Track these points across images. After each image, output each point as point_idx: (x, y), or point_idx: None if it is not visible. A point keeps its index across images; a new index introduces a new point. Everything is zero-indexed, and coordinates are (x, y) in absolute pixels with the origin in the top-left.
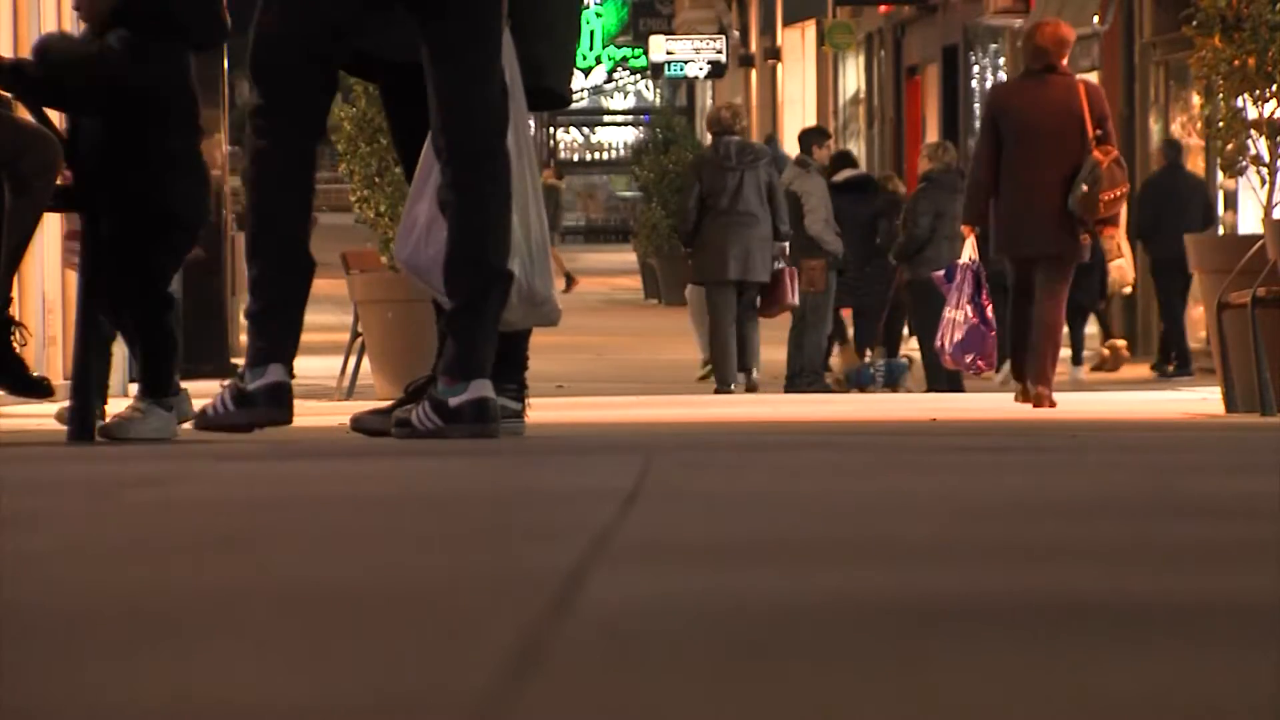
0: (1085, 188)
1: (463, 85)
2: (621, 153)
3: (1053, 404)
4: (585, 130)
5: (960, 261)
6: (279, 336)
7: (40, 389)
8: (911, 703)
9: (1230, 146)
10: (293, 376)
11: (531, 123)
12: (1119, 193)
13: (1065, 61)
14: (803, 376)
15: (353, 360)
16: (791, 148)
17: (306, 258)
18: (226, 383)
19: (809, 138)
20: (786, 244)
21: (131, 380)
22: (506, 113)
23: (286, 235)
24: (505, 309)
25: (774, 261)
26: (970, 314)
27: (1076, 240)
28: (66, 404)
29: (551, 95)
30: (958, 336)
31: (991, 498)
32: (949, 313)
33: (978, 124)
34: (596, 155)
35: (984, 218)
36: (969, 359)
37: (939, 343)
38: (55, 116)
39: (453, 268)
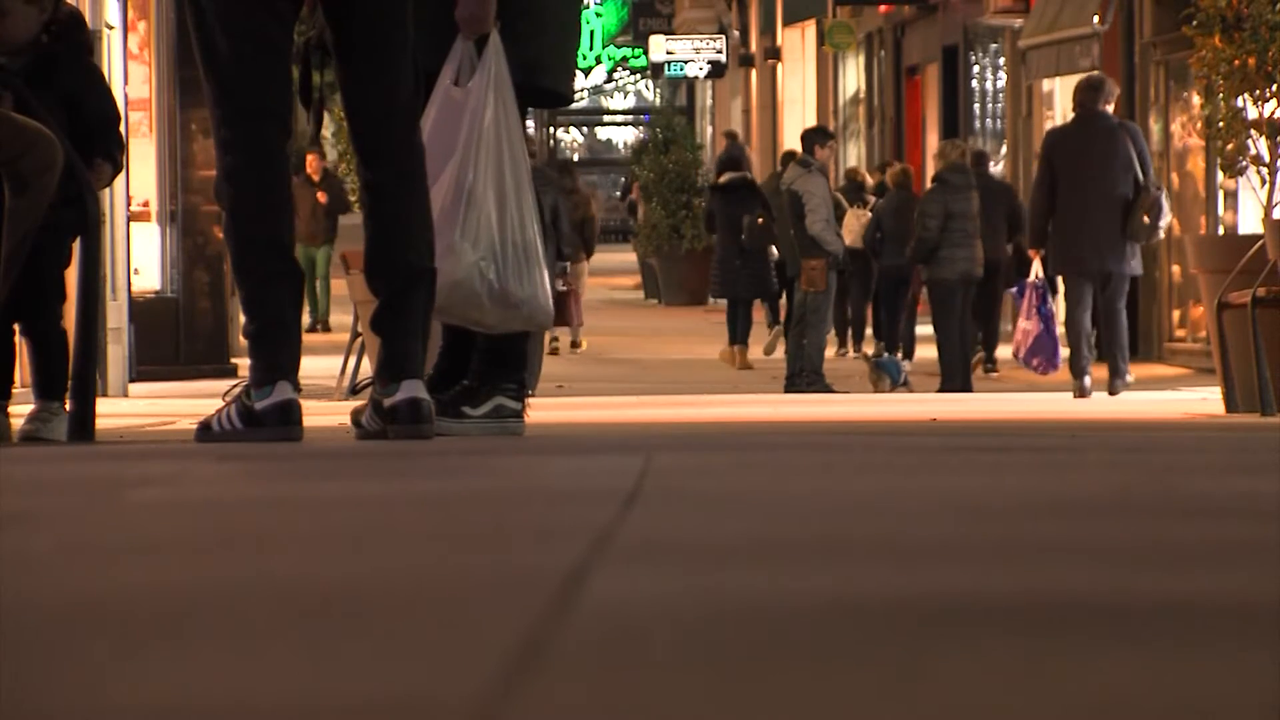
0: (1148, 218)
1: (368, 84)
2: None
3: (1115, 392)
4: (585, 130)
5: (1028, 280)
6: (280, 353)
7: None
8: (912, 703)
9: (1230, 146)
10: (298, 389)
11: (531, 122)
12: (1171, 218)
13: (1111, 106)
14: (803, 376)
15: (353, 360)
16: (787, 149)
17: (294, 265)
18: (230, 397)
19: (811, 138)
20: (569, 265)
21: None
22: (416, 110)
23: (272, 248)
24: (477, 310)
25: (557, 282)
26: (1038, 324)
27: (1122, 257)
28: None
29: (549, 94)
30: (1028, 343)
31: (991, 498)
32: (1021, 323)
33: (978, 124)
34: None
35: (1045, 241)
36: (1035, 361)
37: (1013, 349)
38: None
39: (371, 268)
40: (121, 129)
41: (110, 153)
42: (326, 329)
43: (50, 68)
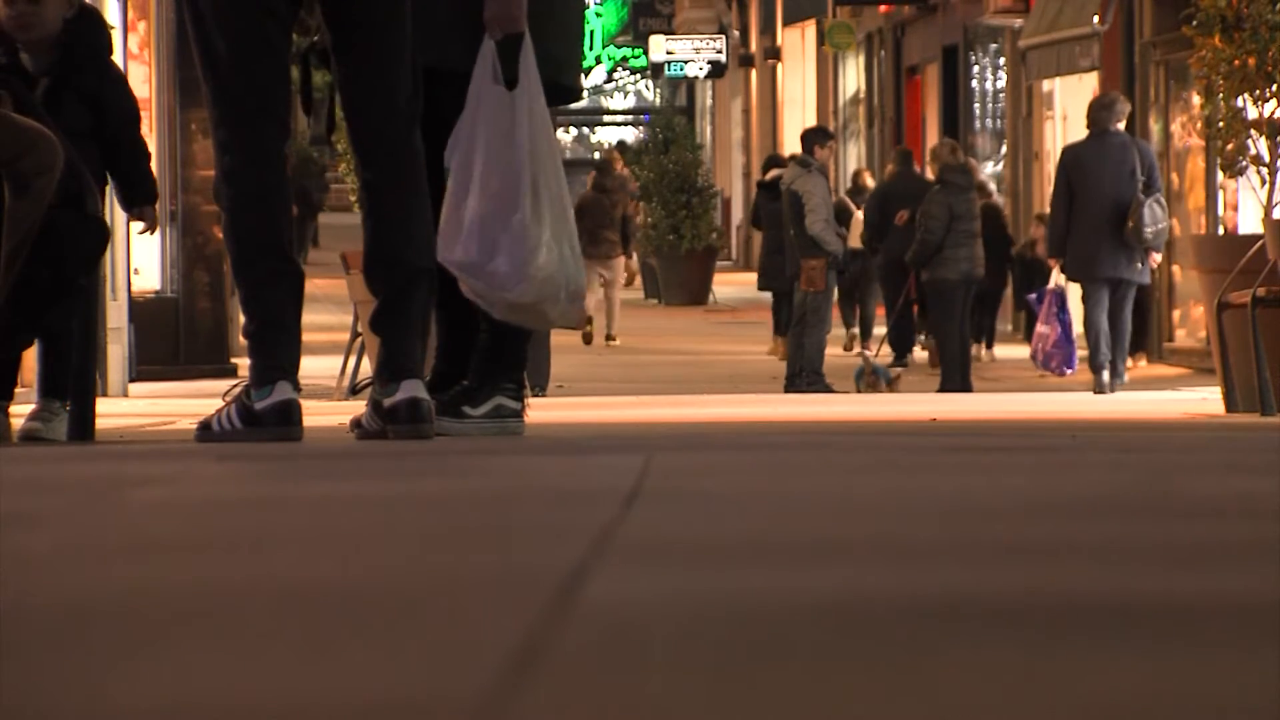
0: (1131, 223)
1: (367, 84)
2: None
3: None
4: (585, 130)
5: (1048, 287)
6: (280, 352)
7: None
8: (912, 703)
9: (1230, 146)
10: (299, 389)
11: None
12: (1169, 224)
13: (1123, 124)
14: (803, 376)
15: (353, 360)
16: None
17: (294, 265)
18: (230, 397)
19: (811, 138)
20: None
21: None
22: (414, 111)
23: (271, 248)
24: (553, 306)
25: None
26: (1057, 329)
27: (1131, 264)
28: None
29: (566, 91)
30: (1046, 347)
31: (991, 498)
32: (1040, 327)
33: (978, 124)
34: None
35: (1064, 251)
36: (1054, 364)
37: (1031, 351)
38: None
39: (370, 268)
40: (142, 130)
41: (147, 191)
42: None
43: (73, 68)
